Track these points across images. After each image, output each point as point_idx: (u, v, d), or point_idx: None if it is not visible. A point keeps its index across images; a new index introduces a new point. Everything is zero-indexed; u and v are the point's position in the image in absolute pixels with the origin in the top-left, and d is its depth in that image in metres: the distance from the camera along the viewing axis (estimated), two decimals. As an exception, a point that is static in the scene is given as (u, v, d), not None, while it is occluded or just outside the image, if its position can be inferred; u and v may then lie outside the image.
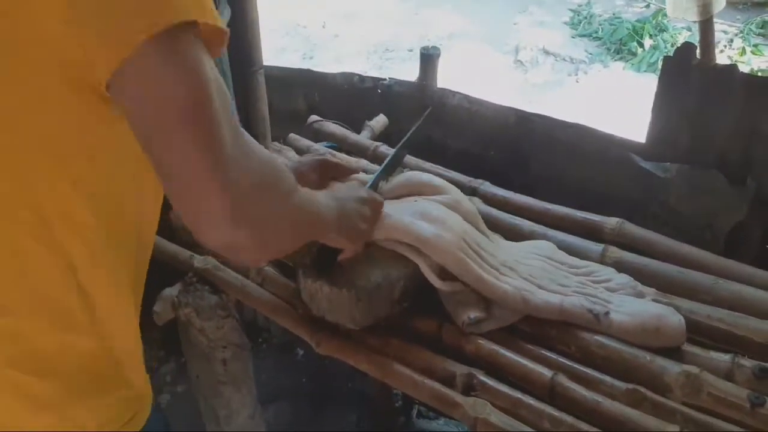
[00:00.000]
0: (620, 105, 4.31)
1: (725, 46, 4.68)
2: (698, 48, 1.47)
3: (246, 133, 0.75)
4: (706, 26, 1.48)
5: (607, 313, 1.07)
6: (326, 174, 1.18)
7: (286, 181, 0.79)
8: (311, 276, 1.09)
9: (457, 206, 1.18)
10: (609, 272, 1.19)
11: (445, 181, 1.25)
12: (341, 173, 1.20)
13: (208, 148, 0.65)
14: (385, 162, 1.26)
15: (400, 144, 1.34)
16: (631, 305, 1.10)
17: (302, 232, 0.86)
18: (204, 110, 0.65)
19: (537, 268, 1.16)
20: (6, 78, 0.67)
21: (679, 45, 1.50)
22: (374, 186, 1.18)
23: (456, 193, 1.23)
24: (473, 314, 1.08)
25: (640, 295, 1.14)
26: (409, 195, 1.21)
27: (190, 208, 0.69)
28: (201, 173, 0.65)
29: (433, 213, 1.13)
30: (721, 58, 4.18)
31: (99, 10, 0.62)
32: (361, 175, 1.22)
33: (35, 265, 0.74)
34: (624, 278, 1.17)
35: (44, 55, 0.64)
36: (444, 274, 1.10)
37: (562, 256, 1.23)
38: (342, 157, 1.58)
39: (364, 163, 1.56)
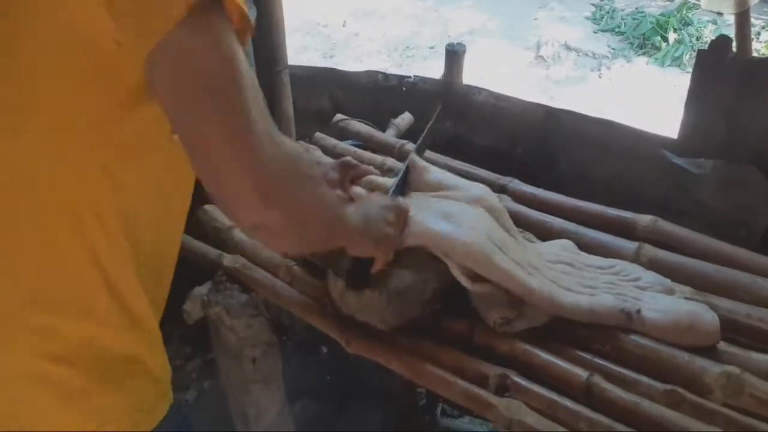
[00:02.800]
0: (645, 100, 4.26)
1: (753, 39, 4.59)
2: (734, 41, 1.43)
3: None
4: (742, 18, 1.45)
5: (638, 311, 1.05)
6: (346, 174, 1.19)
7: (313, 167, 0.81)
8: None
9: (480, 202, 1.17)
10: (637, 270, 1.16)
11: (461, 179, 1.24)
12: (360, 173, 1.21)
13: (239, 123, 0.67)
14: (403, 167, 1.23)
15: (415, 147, 1.32)
16: (663, 302, 1.07)
17: (329, 227, 0.87)
18: (235, 84, 0.66)
19: (560, 272, 1.14)
20: (38, 65, 0.68)
21: (705, 39, 1.47)
22: (396, 193, 1.17)
23: (477, 189, 1.21)
24: (504, 314, 1.07)
25: (670, 293, 1.11)
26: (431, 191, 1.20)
27: (222, 185, 0.69)
28: (232, 149, 0.67)
29: (455, 212, 1.11)
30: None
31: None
32: (378, 179, 1.21)
33: (65, 257, 0.76)
34: (653, 276, 1.15)
35: (77, 40, 0.66)
36: (474, 274, 1.09)
37: (584, 257, 1.20)
38: (366, 156, 1.57)
39: (390, 161, 1.55)
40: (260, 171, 0.68)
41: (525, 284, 1.05)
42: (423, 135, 1.35)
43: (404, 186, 1.22)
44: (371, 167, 1.25)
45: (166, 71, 0.66)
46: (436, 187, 1.21)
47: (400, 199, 1.13)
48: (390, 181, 1.21)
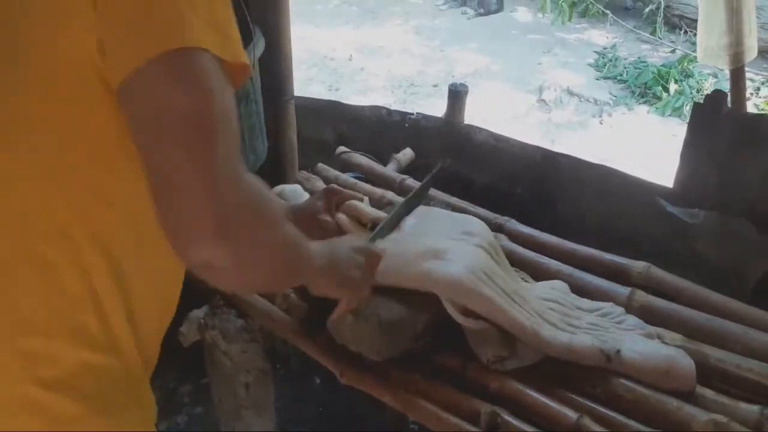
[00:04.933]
0: (644, 148, 4.31)
1: (752, 94, 4.67)
2: (729, 96, 1.48)
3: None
4: (737, 74, 1.49)
5: (618, 351, 1.07)
6: (331, 201, 1.22)
7: (275, 210, 0.79)
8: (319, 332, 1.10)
9: (474, 237, 1.19)
10: (620, 313, 1.19)
11: (455, 214, 1.27)
12: (343, 198, 1.23)
13: (201, 159, 0.67)
14: (390, 214, 1.23)
15: (406, 198, 1.30)
16: (643, 345, 1.10)
17: (286, 267, 0.84)
18: (202, 121, 0.67)
19: (547, 308, 1.16)
20: (34, 90, 0.71)
21: (705, 91, 1.51)
22: (381, 234, 1.16)
23: (471, 224, 1.23)
24: (497, 352, 1.08)
25: (651, 337, 1.14)
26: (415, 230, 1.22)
27: (173, 216, 0.68)
28: (189, 181, 0.66)
29: (445, 249, 1.13)
30: (749, 107, 4.18)
31: (120, 20, 0.66)
32: (360, 205, 1.24)
33: (57, 280, 0.75)
34: (635, 320, 1.17)
35: (73, 69, 0.69)
36: (467, 310, 1.10)
37: (574, 298, 1.22)
38: (367, 189, 1.60)
39: (390, 195, 1.58)
40: (213, 205, 0.67)
41: (509, 315, 1.07)
42: (416, 189, 1.34)
43: (396, 226, 1.21)
44: (355, 193, 1.27)
45: (136, 102, 0.67)
46: (428, 225, 1.23)
47: (376, 244, 1.10)
48: (370, 210, 1.23)
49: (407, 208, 1.26)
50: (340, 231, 1.20)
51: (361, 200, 1.25)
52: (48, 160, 0.73)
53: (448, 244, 1.14)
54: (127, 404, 0.86)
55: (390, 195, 1.57)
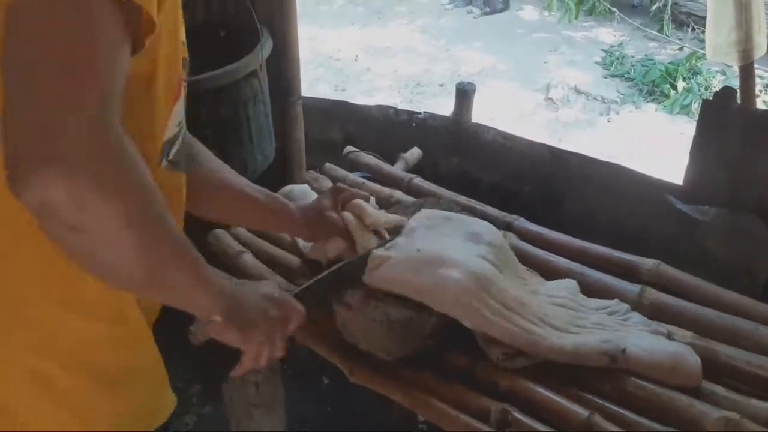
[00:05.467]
0: (652, 146, 4.30)
1: (761, 91, 4.65)
2: (738, 92, 1.47)
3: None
4: (746, 71, 1.49)
5: (623, 351, 1.06)
6: (337, 199, 1.22)
7: (160, 195, 0.68)
8: (345, 305, 1.10)
9: (479, 238, 1.19)
10: (626, 310, 1.19)
11: (462, 216, 1.26)
12: (350, 197, 1.23)
13: (78, 88, 0.61)
14: (321, 275, 1.14)
15: (346, 262, 1.19)
16: (649, 342, 1.09)
17: (160, 260, 0.70)
18: (84, 59, 0.62)
19: (553, 308, 1.15)
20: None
21: (713, 89, 1.50)
22: (299, 295, 1.03)
23: (477, 225, 1.24)
24: (506, 350, 1.08)
25: (656, 334, 1.13)
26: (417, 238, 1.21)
27: (13, 135, 0.60)
28: (58, 105, 0.60)
29: (447, 257, 1.12)
30: (758, 103, 4.16)
31: None
32: (365, 204, 1.23)
33: (49, 252, 0.71)
34: (640, 317, 1.17)
35: None
36: None
37: (582, 298, 1.22)
38: (375, 188, 1.60)
39: (398, 194, 1.58)
40: (94, 140, 0.60)
41: (504, 329, 1.07)
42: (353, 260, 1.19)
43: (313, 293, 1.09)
44: (361, 191, 1.27)
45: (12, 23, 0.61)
46: (432, 228, 1.22)
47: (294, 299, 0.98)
48: (372, 210, 1.22)
49: (346, 274, 1.16)
50: (345, 228, 1.21)
51: (367, 200, 1.26)
52: None
53: (452, 254, 1.13)
54: (134, 382, 0.87)
55: (398, 194, 1.57)
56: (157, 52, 0.74)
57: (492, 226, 1.25)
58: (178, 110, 0.85)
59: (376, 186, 1.64)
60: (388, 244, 1.18)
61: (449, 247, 1.15)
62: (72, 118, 0.60)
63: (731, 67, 4.90)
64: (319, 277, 1.13)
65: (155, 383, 0.92)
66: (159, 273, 0.71)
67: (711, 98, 1.48)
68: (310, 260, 1.30)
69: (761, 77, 4.74)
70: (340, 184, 1.26)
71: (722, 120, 1.42)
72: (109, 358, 0.83)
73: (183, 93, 0.85)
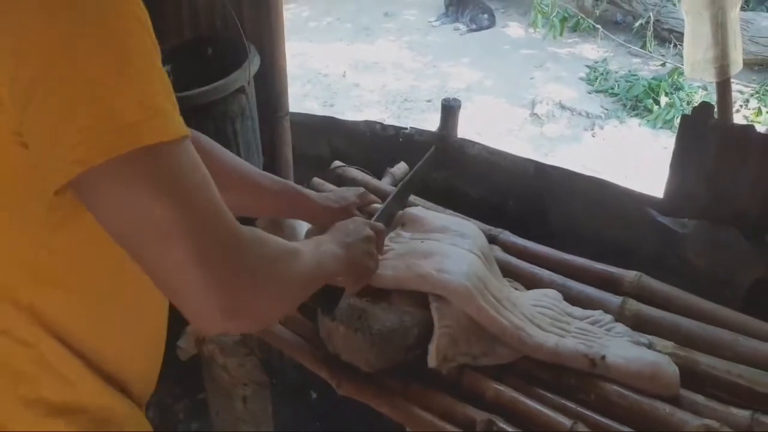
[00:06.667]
0: (636, 160, 4.35)
1: (741, 106, 4.73)
2: (716, 107, 1.51)
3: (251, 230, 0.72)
4: (723, 87, 1.53)
5: (603, 357, 1.09)
6: (365, 201, 1.31)
7: (281, 254, 0.77)
8: (329, 315, 1.12)
9: (468, 240, 1.22)
10: (610, 320, 1.21)
11: (449, 218, 1.30)
12: (371, 201, 1.34)
13: (187, 260, 0.63)
14: (389, 197, 1.32)
15: (404, 180, 1.40)
16: (629, 351, 1.12)
17: (305, 292, 0.86)
18: (184, 224, 0.62)
19: (538, 312, 1.18)
20: None
21: (695, 103, 1.54)
22: (379, 219, 1.22)
23: (465, 227, 1.27)
24: (468, 350, 1.11)
25: (638, 344, 1.16)
26: (414, 233, 1.26)
27: (182, 308, 0.67)
28: (182, 284, 0.64)
29: (440, 252, 1.16)
30: (737, 118, 4.23)
31: (44, 134, 0.60)
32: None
33: (8, 358, 0.74)
34: (624, 328, 1.20)
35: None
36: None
37: (565, 305, 1.25)
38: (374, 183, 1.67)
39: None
40: (218, 297, 0.65)
41: (495, 319, 1.10)
42: (414, 170, 1.43)
43: (388, 217, 1.28)
44: (378, 199, 1.37)
45: (102, 210, 0.63)
46: (423, 229, 1.26)
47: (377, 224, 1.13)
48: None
49: (403, 195, 1.36)
50: None
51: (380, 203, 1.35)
52: None
53: (444, 248, 1.16)
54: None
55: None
56: None
57: (478, 230, 1.30)
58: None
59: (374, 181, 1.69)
60: (392, 234, 1.24)
61: (443, 246, 1.20)
62: (222, 265, 0.65)
63: (712, 82, 4.98)
64: (387, 203, 1.29)
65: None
66: (309, 292, 0.87)
67: (689, 113, 1.51)
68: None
69: (741, 92, 4.83)
70: (366, 192, 1.34)
71: (700, 134, 1.45)
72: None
73: None
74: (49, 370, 0.75)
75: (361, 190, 1.33)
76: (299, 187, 1.23)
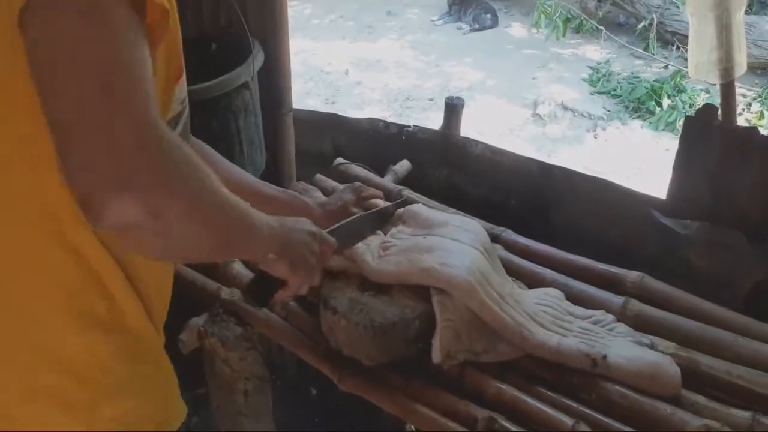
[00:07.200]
0: (638, 162, 4.35)
1: (744, 110, 4.73)
2: (719, 110, 1.51)
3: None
4: (727, 89, 1.53)
5: (604, 357, 1.09)
6: (360, 195, 1.30)
7: (201, 169, 0.71)
8: (331, 309, 1.12)
9: (464, 235, 1.22)
10: (612, 320, 1.22)
11: (450, 215, 1.30)
12: (369, 195, 1.32)
13: (102, 101, 0.62)
14: (350, 219, 1.21)
15: (372, 210, 1.30)
16: (631, 351, 1.12)
17: (226, 232, 0.77)
18: (109, 66, 0.63)
19: (540, 310, 1.19)
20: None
21: (697, 106, 1.54)
22: (332, 232, 1.10)
23: (467, 224, 1.28)
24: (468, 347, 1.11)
25: (641, 344, 1.16)
26: (416, 229, 1.26)
27: (76, 168, 0.62)
28: (89, 124, 0.62)
29: (441, 247, 1.17)
30: (740, 121, 4.23)
31: None
32: (381, 203, 1.32)
33: (51, 262, 0.76)
34: (625, 328, 1.20)
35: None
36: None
37: (567, 305, 1.25)
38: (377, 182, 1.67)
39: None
40: (120, 153, 0.61)
41: (497, 315, 1.10)
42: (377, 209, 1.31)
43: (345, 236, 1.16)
44: (379, 191, 1.35)
45: (37, 38, 0.63)
46: (425, 225, 1.26)
47: (330, 235, 1.06)
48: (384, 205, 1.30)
49: (369, 223, 1.25)
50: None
51: (381, 197, 1.35)
52: (19, 153, 0.72)
53: (446, 243, 1.17)
54: (145, 375, 0.88)
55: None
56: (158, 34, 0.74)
57: (480, 227, 1.30)
58: (181, 89, 0.86)
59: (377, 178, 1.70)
60: (393, 230, 1.25)
61: (446, 241, 1.20)
62: (125, 137, 0.62)
63: (715, 85, 4.97)
64: (348, 220, 1.20)
65: (164, 392, 0.93)
66: (230, 239, 0.79)
67: (693, 115, 1.51)
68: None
69: (744, 96, 4.83)
70: (360, 184, 1.34)
71: (704, 136, 1.45)
72: (116, 369, 0.84)
73: (184, 72, 0.87)
74: (99, 287, 0.79)
75: (357, 184, 1.33)
76: (297, 194, 1.25)
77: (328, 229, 1.09)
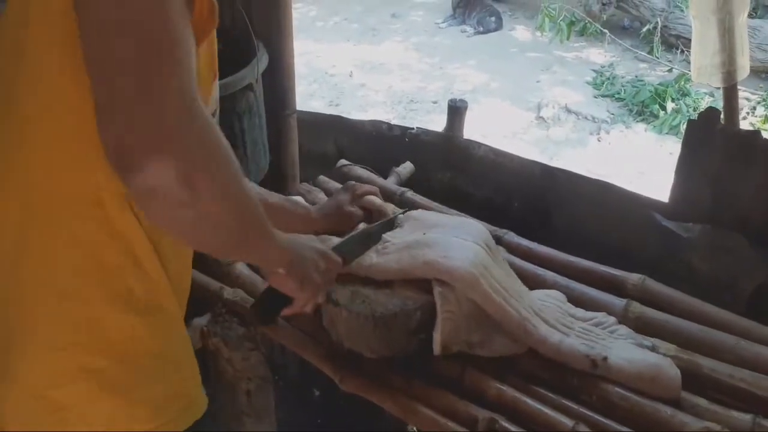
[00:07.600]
0: (641, 165, 4.35)
1: (748, 113, 4.73)
2: (722, 113, 1.51)
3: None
4: (730, 92, 1.53)
5: (605, 358, 1.09)
6: (354, 194, 1.30)
7: (234, 160, 0.73)
8: (332, 301, 1.12)
9: (467, 236, 1.23)
10: (613, 322, 1.22)
11: (451, 217, 1.31)
12: (365, 191, 1.31)
13: (152, 73, 0.64)
14: (357, 232, 1.23)
15: (371, 226, 1.28)
16: (630, 352, 1.13)
17: (243, 225, 0.76)
18: (159, 39, 0.65)
19: (544, 306, 1.19)
20: (53, 66, 0.71)
21: (701, 109, 1.54)
22: (338, 247, 1.13)
23: (469, 223, 1.30)
24: (466, 337, 1.12)
25: (641, 346, 1.16)
26: (416, 228, 1.26)
27: (116, 129, 0.64)
28: (137, 93, 0.63)
29: (438, 241, 1.17)
30: (744, 125, 4.23)
31: None
32: (377, 200, 1.32)
33: (99, 250, 0.79)
34: (627, 330, 1.20)
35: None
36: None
37: (569, 306, 1.25)
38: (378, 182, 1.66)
39: (390, 207, 1.60)
40: (165, 122, 0.63)
41: (502, 307, 1.10)
42: (379, 222, 1.29)
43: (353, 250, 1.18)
44: (374, 187, 1.35)
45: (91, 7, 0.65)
46: (425, 225, 1.27)
47: (336, 254, 1.08)
48: (380, 203, 1.32)
49: (374, 235, 1.24)
50: (368, 218, 1.29)
51: (376, 193, 1.34)
52: (60, 142, 0.74)
53: (448, 239, 1.17)
54: (178, 356, 0.91)
55: (390, 207, 1.60)
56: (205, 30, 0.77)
57: (482, 227, 1.30)
58: (216, 86, 0.90)
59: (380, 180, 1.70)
60: (391, 233, 1.24)
61: (448, 238, 1.20)
62: (174, 104, 0.64)
63: (719, 89, 4.96)
64: (352, 234, 1.20)
65: (191, 368, 0.95)
66: (248, 236, 0.79)
67: (696, 118, 1.51)
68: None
69: (748, 99, 4.82)
70: (353, 182, 1.34)
71: (706, 140, 1.46)
72: (150, 347, 0.85)
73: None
74: (140, 269, 0.81)
75: (350, 183, 1.33)
76: (297, 201, 1.27)
77: (334, 246, 1.12)
